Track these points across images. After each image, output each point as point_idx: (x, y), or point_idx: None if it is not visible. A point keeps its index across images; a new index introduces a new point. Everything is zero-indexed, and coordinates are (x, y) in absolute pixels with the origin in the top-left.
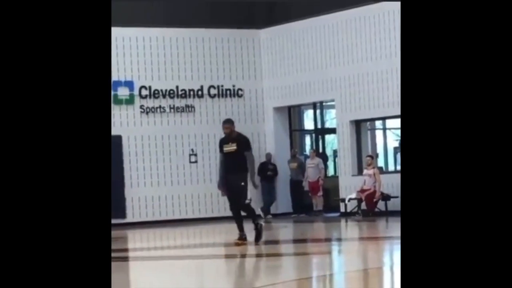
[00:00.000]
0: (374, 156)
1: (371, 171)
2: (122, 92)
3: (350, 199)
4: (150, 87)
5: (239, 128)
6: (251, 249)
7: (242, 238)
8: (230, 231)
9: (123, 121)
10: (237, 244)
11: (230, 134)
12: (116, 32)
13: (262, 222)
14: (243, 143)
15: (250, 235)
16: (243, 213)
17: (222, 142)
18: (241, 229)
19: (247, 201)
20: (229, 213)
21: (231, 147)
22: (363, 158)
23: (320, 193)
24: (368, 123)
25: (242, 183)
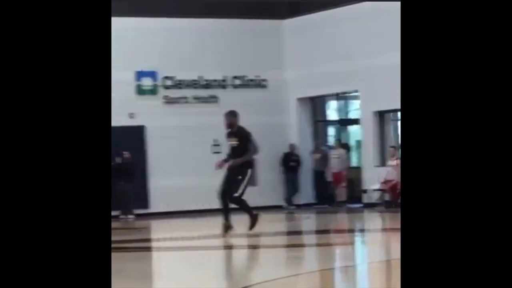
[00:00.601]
0: (397, 147)
1: (394, 162)
2: (146, 82)
3: (373, 190)
4: (173, 78)
5: (262, 119)
6: (273, 240)
7: (226, 227)
8: None
9: (147, 112)
10: (223, 234)
11: (231, 127)
12: (139, 23)
13: (256, 213)
14: (244, 138)
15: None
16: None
17: (227, 135)
18: (226, 218)
19: (235, 195)
20: (253, 203)
21: (233, 141)
22: (387, 149)
23: (343, 184)
24: (392, 114)
25: (239, 177)
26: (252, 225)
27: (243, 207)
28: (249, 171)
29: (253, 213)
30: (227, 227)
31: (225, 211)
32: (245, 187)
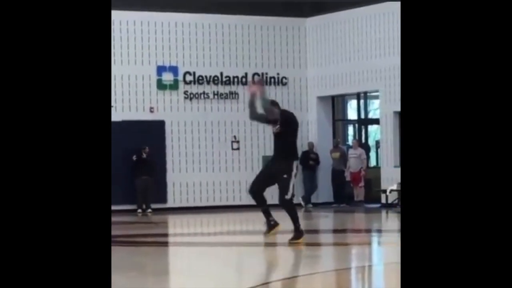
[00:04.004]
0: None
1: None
2: (167, 77)
3: (391, 191)
4: (194, 73)
5: None
6: (289, 238)
7: (271, 226)
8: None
9: (167, 106)
10: (268, 234)
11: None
12: (162, 17)
13: (302, 229)
14: (285, 121)
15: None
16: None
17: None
18: (267, 215)
19: (286, 197)
20: (275, 201)
21: (275, 129)
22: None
23: (362, 183)
24: None
25: (285, 176)
26: (295, 238)
27: (292, 212)
28: (295, 163)
29: (299, 226)
30: (273, 225)
31: (263, 209)
32: (294, 185)
